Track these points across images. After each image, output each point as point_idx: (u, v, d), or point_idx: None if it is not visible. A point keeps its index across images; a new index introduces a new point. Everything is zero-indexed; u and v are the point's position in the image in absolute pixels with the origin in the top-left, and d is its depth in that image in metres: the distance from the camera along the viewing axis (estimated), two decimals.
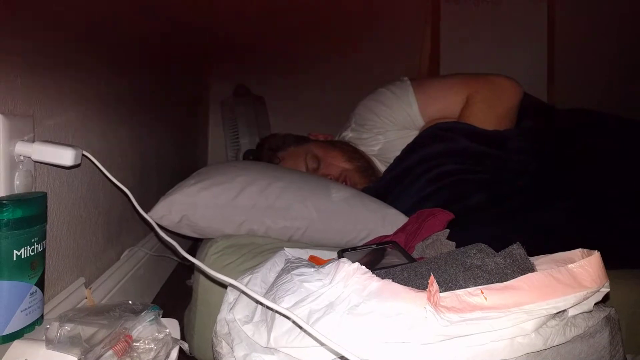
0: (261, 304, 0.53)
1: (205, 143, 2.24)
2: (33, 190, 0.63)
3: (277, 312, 0.49)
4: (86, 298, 0.79)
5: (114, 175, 0.77)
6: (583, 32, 2.33)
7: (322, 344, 0.44)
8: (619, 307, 0.57)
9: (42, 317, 0.59)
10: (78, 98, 0.77)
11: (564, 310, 0.47)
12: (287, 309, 0.47)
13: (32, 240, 0.56)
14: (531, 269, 0.51)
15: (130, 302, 0.61)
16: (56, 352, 0.51)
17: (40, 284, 0.58)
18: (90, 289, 0.82)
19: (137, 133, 1.10)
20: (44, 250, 0.59)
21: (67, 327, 0.52)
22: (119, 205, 0.99)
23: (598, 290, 0.48)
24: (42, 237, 0.58)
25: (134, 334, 0.53)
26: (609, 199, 0.88)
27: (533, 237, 0.72)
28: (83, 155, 0.71)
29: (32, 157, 0.62)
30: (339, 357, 0.45)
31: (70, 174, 0.76)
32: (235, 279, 0.56)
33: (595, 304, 0.50)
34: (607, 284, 0.48)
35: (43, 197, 0.59)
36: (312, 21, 2.25)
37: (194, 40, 1.81)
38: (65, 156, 0.63)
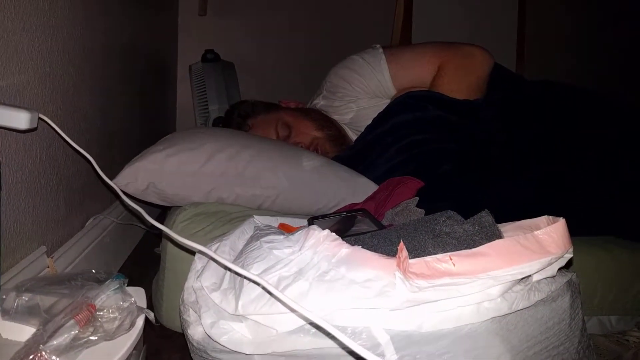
0: (230, 270, 0.52)
1: (174, 109, 2.18)
2: None
3: (246, 278, 0.48)
4: (48, 267, 0.76)
5: (76, 141, 0.74)
6: (554, 4, 2.35)
7: (292, 310, 0.44)
8: (578, 271, 0.58)
9: None
10: (35, 57, 0.73)
11: (529, 276, 0.48)
12: (256, 275, 0.47)
13: None
14: (499, 235, 0.51)
15: (93, 270, 0.59)
16: (13, 322, 0.49)
17: None
18: (52, 258, 0.79)
19: (101, 97, 1.05)
20: None
21: (25, 297, 0.50)
22: (82, 172, 0.96)
23: (562, 256, 0.49)
24: None
25: (98, 303, 0.52)
26: (576, 169, 0.90)
27: (500, 206, 0.73)
28: (40, 118, 0.68)
29: None
30: (308, 323, 0.45)
31: (27, 138, 0.72)
32: (204, 247, 0.55)
33: (558, 269, 0.51)
34: (571, 249, 0.49)
35: None
36: None
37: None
38: (18, 119, 0.59)
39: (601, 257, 0.83)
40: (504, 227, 0.57)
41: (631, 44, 2.35)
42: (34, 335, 0.47)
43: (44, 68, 0.76)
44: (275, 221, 0.73)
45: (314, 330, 0.45)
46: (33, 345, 0.45)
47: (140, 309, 0.55)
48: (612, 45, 2.40)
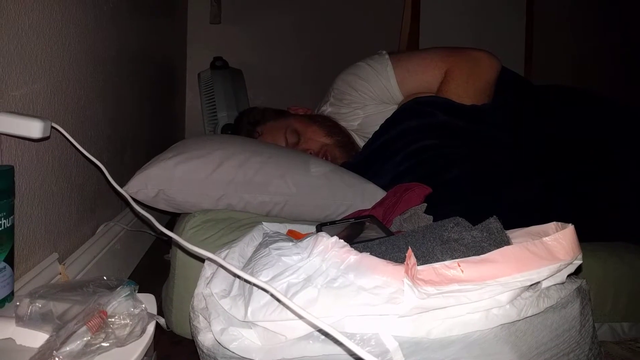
0: (239, 277, 0.53)
1: (183, 116, 2.20)
2: None
3: (255, 285, 0.48)
4: (60, 274, 0.77)
5: (87, 149, 0.75)
6: (561, 10, 2.34)
7: (299, 317, 0.44)
8: (588, 277, 0.58)
9: (12, 293, 0.58)
10: (48, 67, 0.74)
11: (538, 282, 0.48)
12: (265, 282, 0.47)
13: None
14: (507, 242, 0.51)
15: (105, 277, 0.60)
16: (27, 329, 0.50)
17: (9, 260, 0.56)
18: (64, 264, 0.80)
19: (112, 105, 1.07)
20: (12, 225, 0.57)
21: (38, 304, 0.51)
22: (94, 180, 0.97)
23: (571, 263, 0.49)
24: (10, 212, 0.56)
25: (109, 309, 0.52)
26: (585, 175, 0.90)
27: (508, 212, 0.73)
28: (52, 127, 0.69)
29: None
30: (317, 330, 0.45)
31: (40, 147, 0.73)
32: (213, 253, 0.55)
33: (568, 275, 0.51)
34: (580, 256, 0.49)
35: (9, 170, 0.57)
36: None
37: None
38: (32, 128, 0.60)
39: (612, 264, 0.82)
40: (513, 234, 0.57)
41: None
42: (48, 341, 0.47)
43: (56, 77, 0.78)
44: (283, 228, 0.73)
45: (323, 337, 0.46)
46: (47, 351, 0.46)
47: (151, 316, 0.55)
48: (619, 48, 2.38)
